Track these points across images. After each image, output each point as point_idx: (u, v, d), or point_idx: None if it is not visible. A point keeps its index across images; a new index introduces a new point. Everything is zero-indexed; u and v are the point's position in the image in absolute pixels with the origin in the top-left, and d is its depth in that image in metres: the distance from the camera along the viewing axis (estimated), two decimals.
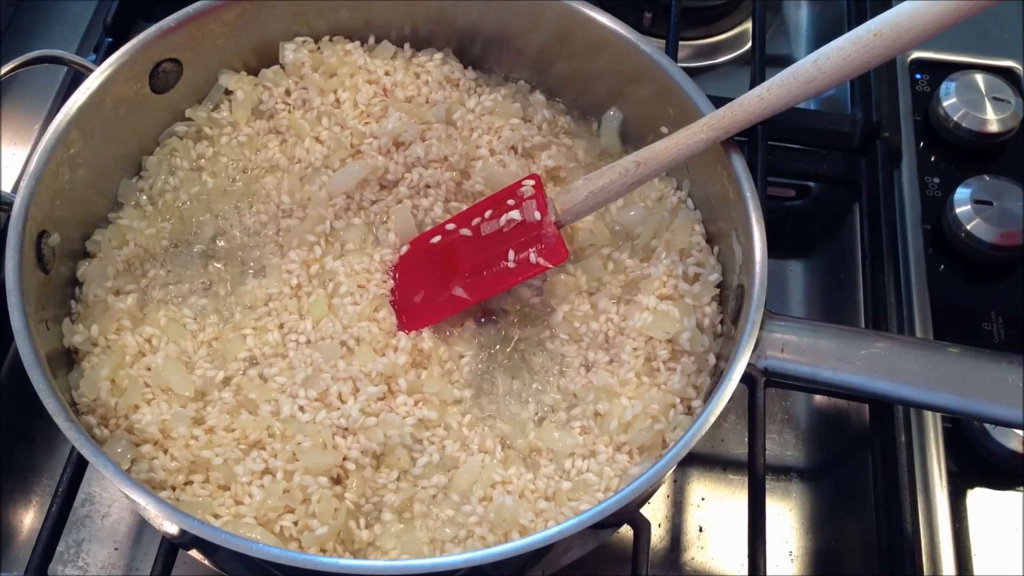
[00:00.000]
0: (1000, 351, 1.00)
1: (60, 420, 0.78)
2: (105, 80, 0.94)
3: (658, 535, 0.99)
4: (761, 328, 0.84)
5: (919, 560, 0.91)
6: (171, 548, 0.87)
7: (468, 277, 0.94)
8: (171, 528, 0.80)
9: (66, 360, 0.91)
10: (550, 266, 0.93)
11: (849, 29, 1.24)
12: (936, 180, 1.15)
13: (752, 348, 0.83)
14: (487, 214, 0.96)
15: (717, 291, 0.94)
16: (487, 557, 0.73)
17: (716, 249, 0.97)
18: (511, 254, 0.93)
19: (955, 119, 1.16)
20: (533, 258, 0.93)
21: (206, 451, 0.85)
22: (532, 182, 0.95)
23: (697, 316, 0.92)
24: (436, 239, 0.98)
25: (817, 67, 0.83)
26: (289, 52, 1.06)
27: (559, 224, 0.93)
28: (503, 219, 0.94)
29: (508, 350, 0.96)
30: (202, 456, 0.85)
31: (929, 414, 1.00)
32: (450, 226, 0.98)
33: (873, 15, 1.21)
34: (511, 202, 0.95)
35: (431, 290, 0.96)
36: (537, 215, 0.93)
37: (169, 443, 0.86)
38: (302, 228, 1.00)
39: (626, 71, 1.02)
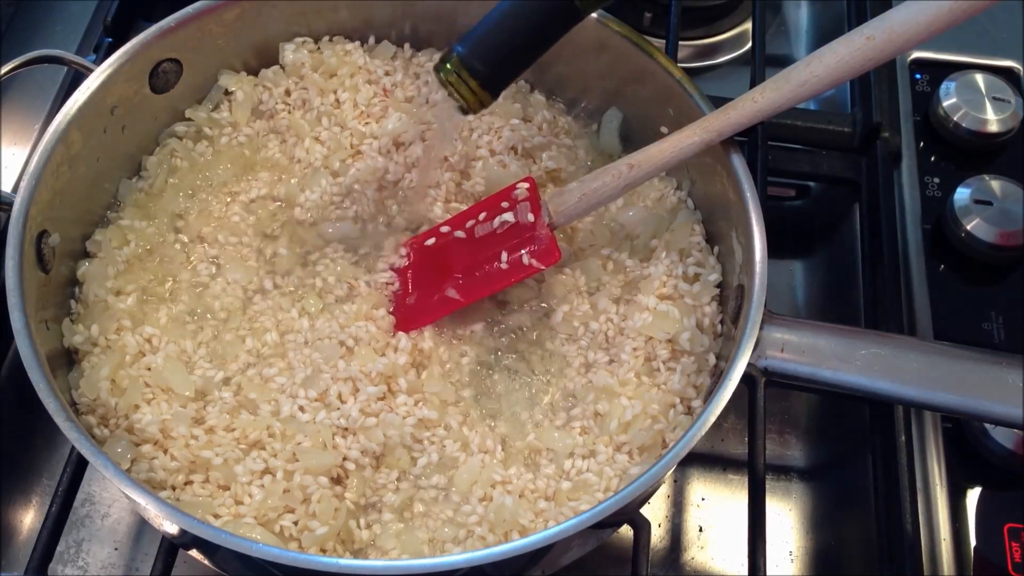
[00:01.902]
0: (1000, 351, 1.00)
1: (60, 420, 0.78)
2: (105, 80, 0.94)
3: (658, 535, 0.99)
4: (761, 328, 0.84)
5: (919, 560, 0.91)
6: (171, 548, 0.87)
7: (461, 278, 0.94)
8: (171, 528, 0.80)
9: (66, 360, 0.91)
10: (543, 268, 0.93)
11: (849, 29, 1.25)
12: (936, 180, 1.15)
13: (752, 348, 0.83)
14: (481, 216, 0.96)
15: (717, 291, 0.94)
16: (487, 557, 0.73)
17: (716, 249, 0.97)
18: (504, 255, 0.93)
19: (955, 119, 1.16)
20: (526, 259, 0.93)
21: (206, 451, 0.85)
22: (527, 184, 0.95)
23: (697, 316, 0.92)
24: (430, 241, 0.98)
25: (810, 70, 0.83)
26: (289, 52, 1.06)
27: (552, 226, 0.93)
28: (496, 221, 0.94)
29: (508, 350, 0.96)
30: (202, 456, 0.85)
31: (929, 414, 1.00)
32: (444, 228, 0.97)
33: (873, 15, 1.22)
34: (505, 204, 0.95)
35: (424, 291, 0.96)
36: (531, 217, 0.93)
37: (169, 443, 0.86)
38: None
39: (626, 71, 1.02)
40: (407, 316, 0.95)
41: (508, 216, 0.94)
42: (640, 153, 0.90)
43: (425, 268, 0.97)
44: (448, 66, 0.85)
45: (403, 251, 0.99)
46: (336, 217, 1.01)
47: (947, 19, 0.78)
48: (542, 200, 0.94)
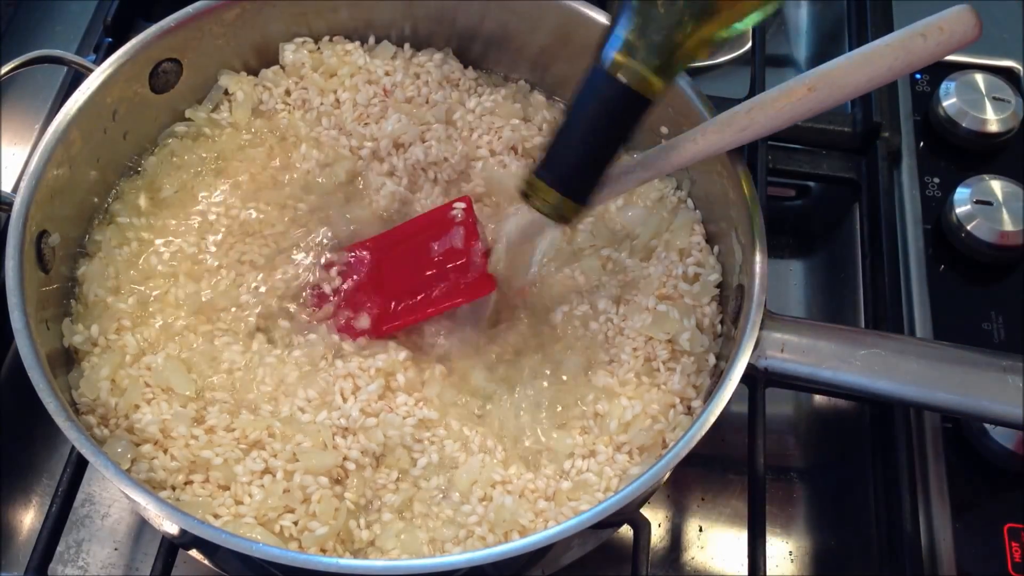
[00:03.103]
0: (1000, 351, 1.00)
1: (60, 420, 0.78)
2: (105, 80, 0.94)
3: (658, 535, 0.99)
4: (761, 328, 0.84)
5: (919, 560, 0.91)
6: (171, 548, 0.87)
7: (394, 301, 0.94)
8: (171, 528, 0.80)
9: (66, 360, 0.91)
10: (477, 296, 0.92)
11: (849, 30, 1.26)
12: (936, 180, 1.15)
13: (752, 348, 0.83)
14: (417, 235, 0.95)
15: (717, 291, 0.95)
16: (487, 557, 0.73)
17: (716, 249, 0.97)
18: (437, 281, 0.93)
19: (955, 119, 1.16)
20: (460, 286, 0.92)
21: (206, 451, 0.85)
22: (463, 205, 0.95)
23: (697, 316, 0.92)
24: (365, 255, 0.97)
25: (751, 117, 0.84)
26: (289, 53, 1.06)
27: (488, 252, 0.93)
28: (433, 243, 0.94)
29: (508, 350, 0.96)
30: (202, 456, 0.85)
31: (929, 414, 1.00)
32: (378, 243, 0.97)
33: (873, 16, 1.23)
34: (441, 225, 0.94)
35: (357, 309, 0.95)
36: (466, 242, 0.92)
37: (169, 443, 0.86)
38: None
39: None
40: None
41: (445, 239, 0.93)
42: None
43: (357, 283, 0.97)
44: (529, 191, 0.81)
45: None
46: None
47: (886, 76, 0.80)
48: (479, 225, 0.93)
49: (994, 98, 1.16)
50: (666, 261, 0.96)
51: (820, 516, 1.01)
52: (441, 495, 0.87)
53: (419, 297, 0.93)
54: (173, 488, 0.85)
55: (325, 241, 1.00)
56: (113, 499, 1.00)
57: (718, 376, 0.87)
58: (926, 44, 0.78)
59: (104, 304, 0.93)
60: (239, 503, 0.84)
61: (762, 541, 0.86)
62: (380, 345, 0.93)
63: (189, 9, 0.99)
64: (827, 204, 1.22)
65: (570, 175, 0.80)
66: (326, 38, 1.08)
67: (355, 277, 0.97)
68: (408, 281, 0.94)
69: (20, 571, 0.88)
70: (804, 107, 0.82)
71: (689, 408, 0.90)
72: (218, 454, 0.85)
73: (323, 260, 0.99)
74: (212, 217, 1.00)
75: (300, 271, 0.98)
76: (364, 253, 0.98)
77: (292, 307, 0.97)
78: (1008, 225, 1.07)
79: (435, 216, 0.96)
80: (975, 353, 0.85)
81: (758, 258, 0.86)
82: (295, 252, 0.99)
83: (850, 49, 1.23)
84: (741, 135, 0.85)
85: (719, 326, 0.93)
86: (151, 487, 0.83)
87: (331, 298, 0.96)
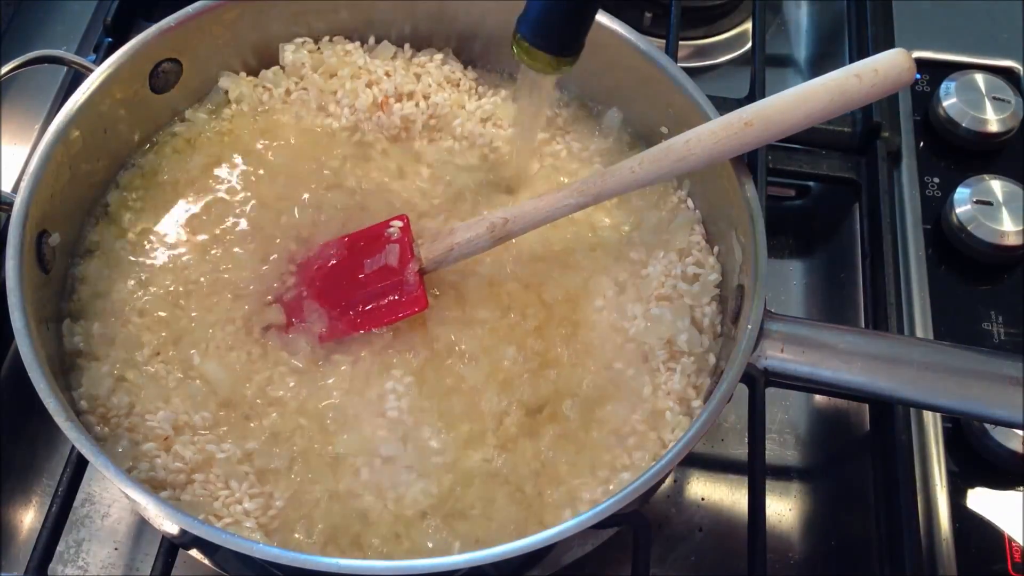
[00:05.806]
0: (1000, 351, 1.00)
1: (60, 420, 0.78)
2: (105, 80, 0.94)
3: (658, 535, 0.99)
4: (761, 328, 0.84)
5: (919, 560, 0.91)
6: (171, 548, 0.87)
7: (328, 313, 0.93)
8: (171, 528, 0.80)
9: (66, 359, 0.91)
10: (409, 315, 0.91)
11: (849, 30, 1.26)
12: (936, 180, 1.15)
13: (752, 348, 0.83)
14: (359, 247, 0.95)
15: (717, 291, 0.94)
16: (487, 557, 0.73)
17: (716, 249, 0.97)
18: (371, 297, 0.92)
19: (955, 119, 1.16)
20: (392, 304, 0.91)
21: (208, 448, 0.85)
22: (400, 223, 0.94)
23: (696, 316, 0.92)
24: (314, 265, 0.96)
25: (688, 148, 0.85)
26: (289, 53, 1.06)
27: (423, 271, 0.92)
28: (370, 259, 0.93)
29: (507, 349, 0.96)
30: (203, 455, 0.85)
31: (929, 414, 1.00)
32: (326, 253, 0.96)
33: (873, 16, 1.23)
34: (379, 241, 0.94)
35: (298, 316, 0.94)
36: (401, 260, 0.92)
37: (170, 442, 0.86)
38: None
39: (626, 71, 1.02)
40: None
41: (380, 256, 0.93)
42: (516, 208, 0.91)
43: (298, 294, 0.95)
44: (516, 50, 0.83)
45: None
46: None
47: (822, 114, 0.81)
48: (414, 245, 0.93)
49: (994, 98, 1.16)
50: (665, 261, 0.96)
51: (820, 516, 1.01)
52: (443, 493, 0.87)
53: (350, 313, 0.92)
54: (174, 488, 0.85)
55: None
56: (113, 499, 1.00)
57: (718, 376, 0.86)
58: (861, 85, 0.79)
59: (104, 303, 0.93)
60: (239, 503, 0.84)
61: (762, 541, 0.86)
62: (378, 354, 0.93)
63: (189, 9, 0.99)
64: (827, 204, 1.22)
65: (560, 39, 0.81)
66: (326, 38, 1.08)
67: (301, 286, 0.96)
68: (341, 295, 0.93)
69: (20, 571, 0.88)
70: (740, 141, 0.84)
71: (689, 408, 0.90)
72: (224, 450, 0.85)
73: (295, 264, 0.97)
74: (212, 216, 1.00)
75: (294, 271, 0.98)
76: (314, 261, 0.96)
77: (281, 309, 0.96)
78: (1008, 225, 1.07)
79: (372, 233, 0.95)
80: (975, 353, 0.85)
81: (758, 258, 0.86)
82: (293, 251, 0.99)
83: (849, 49, 1.25)
84: (678, 165, 0.86)
85: (719, 326, 0.93)
86: (152, 487, 0.84)
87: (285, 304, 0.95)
